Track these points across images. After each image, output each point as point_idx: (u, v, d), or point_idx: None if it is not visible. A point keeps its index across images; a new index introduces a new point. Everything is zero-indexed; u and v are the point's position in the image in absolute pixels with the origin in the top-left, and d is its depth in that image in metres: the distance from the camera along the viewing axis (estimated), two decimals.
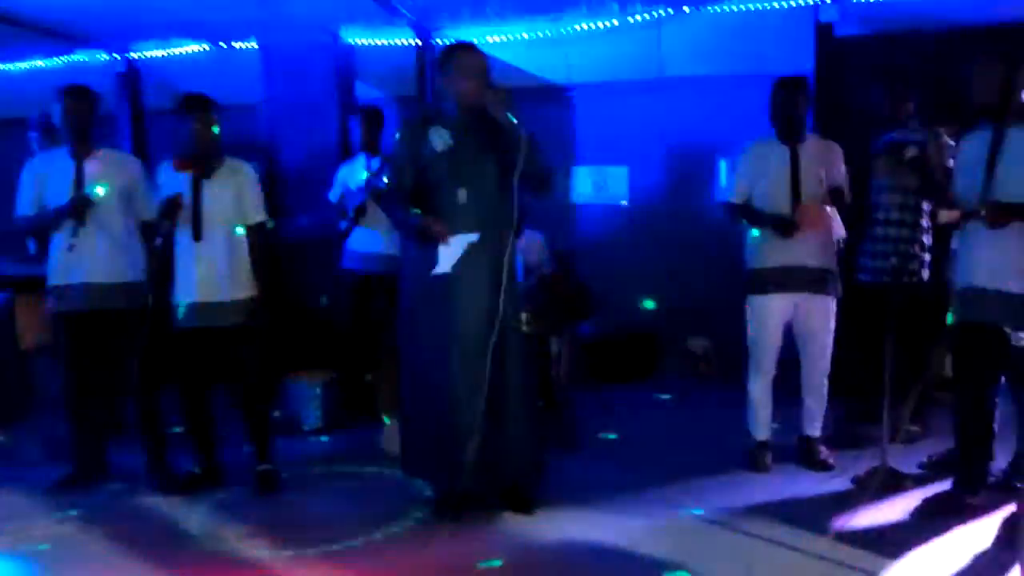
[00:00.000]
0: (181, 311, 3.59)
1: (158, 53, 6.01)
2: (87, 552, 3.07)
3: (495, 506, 3.28)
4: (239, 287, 3.61)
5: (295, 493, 3.64)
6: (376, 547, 3.04)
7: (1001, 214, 2.80)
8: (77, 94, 3.66)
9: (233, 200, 3.60)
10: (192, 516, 3.39)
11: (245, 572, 2.89)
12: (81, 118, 3.62)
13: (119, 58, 6.06)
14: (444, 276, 3.15)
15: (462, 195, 3.18)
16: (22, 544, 3.13)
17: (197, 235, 3.56)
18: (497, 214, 3.22)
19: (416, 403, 3.32)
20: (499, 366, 3.17)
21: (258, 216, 3.68)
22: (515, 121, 3.13)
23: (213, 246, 3.57)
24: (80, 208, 3.57)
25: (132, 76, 6.11)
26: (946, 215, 3.07)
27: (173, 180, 3.58)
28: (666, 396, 5.35)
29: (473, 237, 3.14)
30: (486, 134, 3.18)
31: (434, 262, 3.13)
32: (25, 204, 3.68)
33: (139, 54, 6.06)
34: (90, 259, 3.62)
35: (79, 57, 6.12)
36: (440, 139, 3.21)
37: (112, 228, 3.66)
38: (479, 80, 3.15)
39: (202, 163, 3.58)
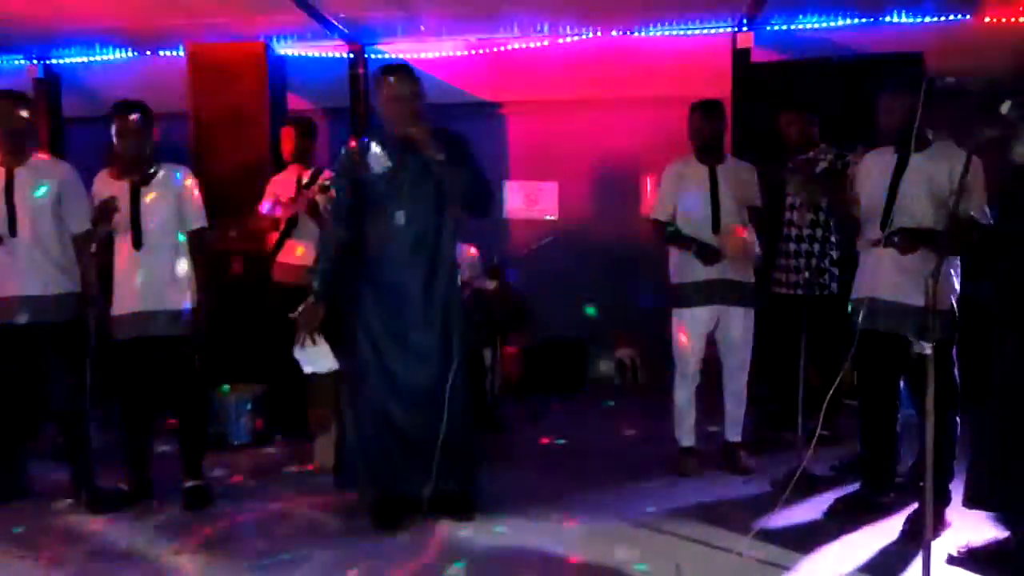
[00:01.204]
0: (120, 322, 3.52)
1: (80, 59, 5.84)
2: (13, 573, 2.97)
3: (433, 512, 3.32)
4: (177, 296, 3.57)
5: (227, 508, 3.59)
6: (312, 560, 3.04)
7: (912, 243, 2.99)
8: (6, 99, 3.54)
9: (172, 207, 3.56)
10: (122, 534, 3.31)
11: None
12: (10, 124, 3.49)
13: (37, 63, 5.86)
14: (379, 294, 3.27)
15: (400, 217, 3.25)
16: None
17: (137, 243, 3.51)
18: (435, 235, 3.31)
19: (357, 415, 3.35)
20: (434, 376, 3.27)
21: (198, 222, 3.65)
22: (441, 157, 3.18)
23: (153, 254, 3.52)
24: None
25: (51, 82, 5.92)
26: (864, 244, 3.26)
27: (110, 189, 3.53)
28: (594, 405, 5.50)
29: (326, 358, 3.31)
30: (424, 157, 3.23)
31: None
32: None
33: (59, 60, 5.87)
34: (17, 270, 3.51)
35: None
36: (378, 161, 3.27)
37: (45, 238, 3.54)
38: (405, 108, 3.21)
39: (138, 170, 3.53)
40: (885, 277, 3.13)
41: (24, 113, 3.54)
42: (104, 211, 3.47)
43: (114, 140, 3.50)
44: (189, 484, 3.64)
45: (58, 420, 3.75)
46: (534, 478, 3.94)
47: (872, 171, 3.24)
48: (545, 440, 4.63)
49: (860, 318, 3.14)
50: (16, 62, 5.90)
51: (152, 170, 3.57)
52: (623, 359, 6.04)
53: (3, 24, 5.17)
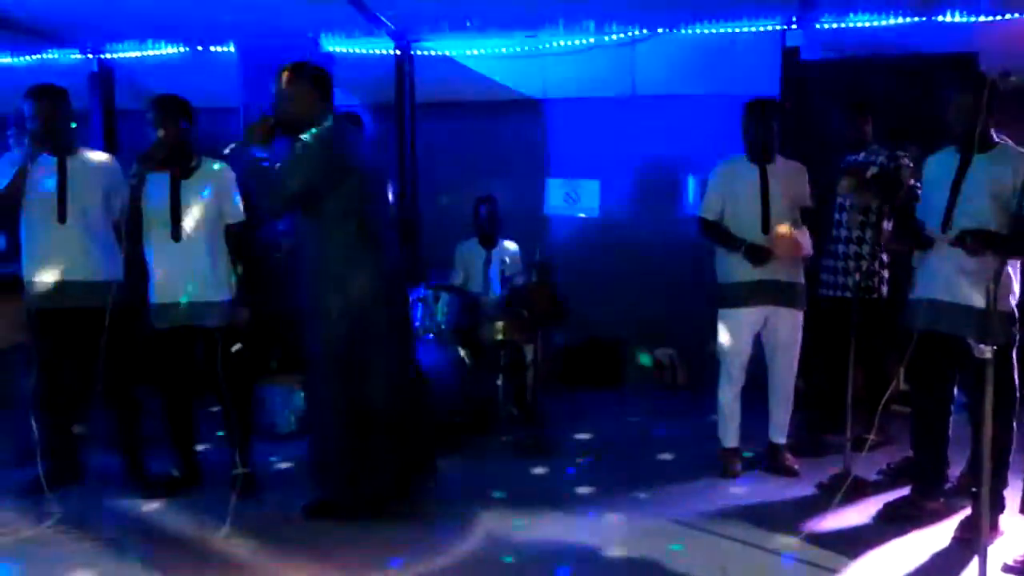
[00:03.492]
0: (159, 311, 3.60)
1: (132, 54, 5.95)
2: (67, 556, 3.04)
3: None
4: (219, 288, 3.63)
5: (274, 495, 3.65)
6: (356, 545, 3.08)
7: (983, 245, 2.91)
8: (43, 94, 3.60)
9: (212, 200, 3.62)
10: (173, 519, 3.39)
11: (229, 574, 2.92)
12: (50, 118, 3.56)
13: (92, 57, 5.99)
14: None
15: None
16: (3, 547, 3.10)
17: (176, 235, 3.58)
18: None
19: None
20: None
21: (236, 216, 3.70)
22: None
23: (191, 247, 3.59)
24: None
25: (105, 76, 6.04)
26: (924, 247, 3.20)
27: (151, 180, 3.58)
28: (633, 403, 5.48)
29: None
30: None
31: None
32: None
33: (113, 54, 6.00)
34: (69, 257, 3.61)
35: (51, 55, 6.04)
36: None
37: (91, 226, 3.64)
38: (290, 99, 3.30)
39: (178, 164, 3.59)
40: (945, 278, 3.07)
41: (56, 107, 3.59)
42: (153, 151, 3.50)
43: (157, 133, 3.54)
44: (237, 471, 3.70)
45: (110, 406, 3.83)
46: (575, 475, 3.95)
47: (935, 172, 3.19)
48: (584, 438, 4.63)
49: (918, 319, 3.09)
50: (72, 56, 6.03)
51: (192, 164, 3.63)
52: (662, 359, 6.01)
53: (59, 17, 5.29)
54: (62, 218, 3.59)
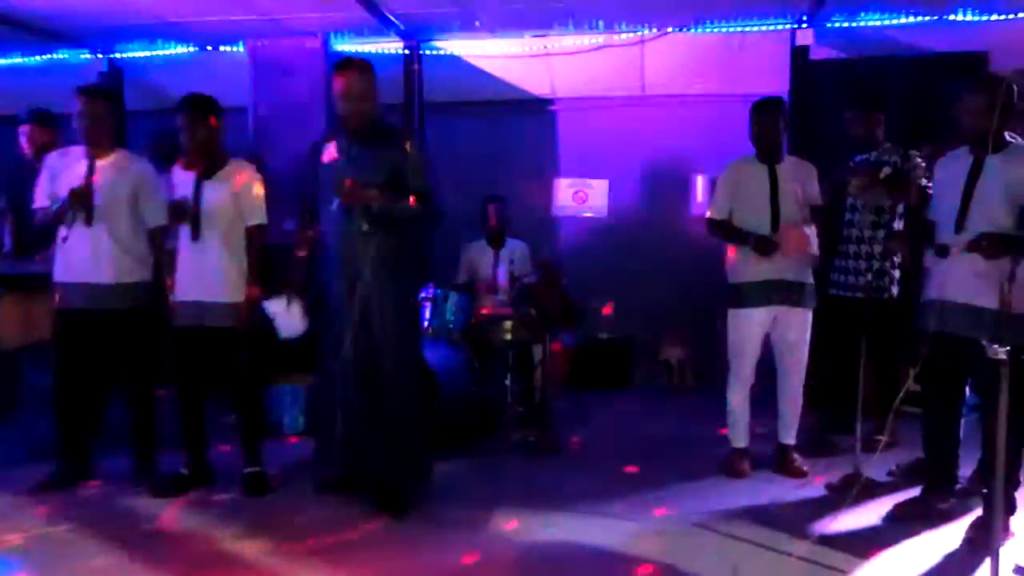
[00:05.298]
0: (178, 309, 3.62)
1: (142, 54, 5.98)
2: (77, 554, 3.05)
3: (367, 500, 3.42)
4: (235, 289, 3.63)
5: (283, 494, 3.66)
6: (366, 545, 3.09)
7: (1000, 248, 2.89)
8: (92, 94, 3.67)
9: (232, 201, 3.63)
10: (183, 517, 3.40)
11: (238, 572, 2.92)
12: (95, 118, 3.62)
13: (101, 58, 6.01)
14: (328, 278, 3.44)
15: (335, 203, 3.33)
16: (8, 547, 3.11)
17: (195, 234, 3.59)
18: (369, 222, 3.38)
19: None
20: (376, 367, 3.35)
21: (255, 218, 3.71)
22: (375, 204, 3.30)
23: (210, 246, 3.60)
24: (81, 199, 3.54)
25: (114, 76, 6.06)
26: (938, 247, 3.17)
27: (180, 178, 3.65)
28: (642, 404, 5.47)
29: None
30: (373, 149, 3.36)
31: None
32: (41, 197, 3.68)
33: (122, 55, 6.02)
34: (93, 259, 3.63)
35: (60, 55, 6.07)
36: (329, 152, 3.44)
37: (118, 229, 3.66)
38: (354, 103, 3.32)
39: (202, 163, 3.61)
40: (958, 280, 3.06)
41: (103, 108, 3.66)
42: (175, 211, 3.58)
43: (184, 133, 3.58)
44: (247, 470, 3.72)
45: (132, 406, 3.85)
46: (584, 475, 3.94)
47: (947, 172, 3.17)
48: (592, 438, 4.63)
49: (931, 320, 3.08)
50: (82, 56, 6.06)
51: (216, 163, 3.64)
52: (670, 359, 6.00)
53: (69, 18, 5.32)
54: (88, 219, 3.60)
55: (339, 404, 3.43)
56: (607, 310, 5.79)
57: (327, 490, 3.58)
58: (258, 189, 3.72)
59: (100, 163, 3.65)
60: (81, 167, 3.61)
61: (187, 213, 3.57)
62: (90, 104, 3.63)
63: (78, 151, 3.69)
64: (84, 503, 3.54)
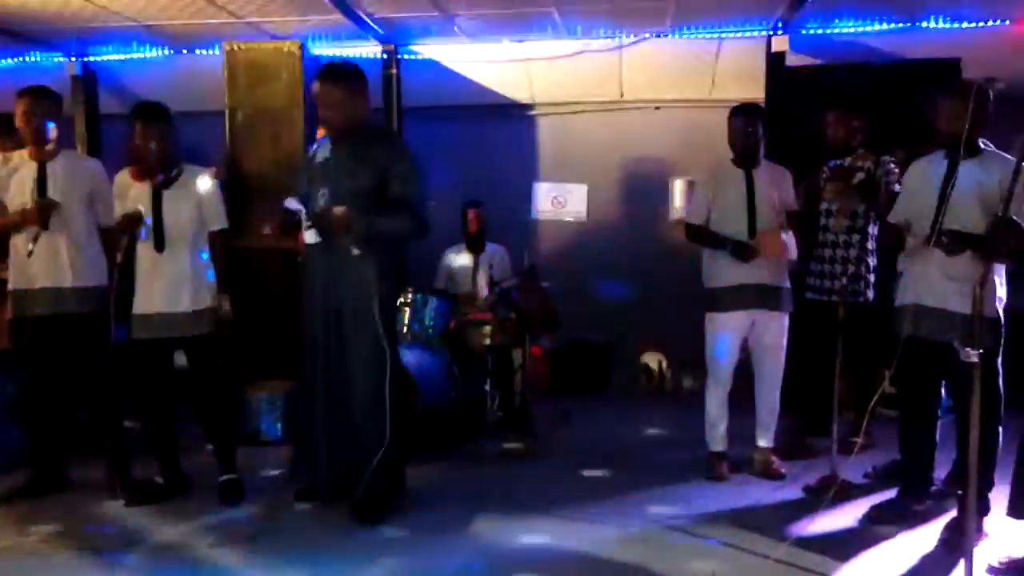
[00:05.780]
0: (142, 321, 3.56)
1: (116, 57, 5.91)
2: (52, 565, 3.00)
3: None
4: (201, 297, 3.59)
5: (261, 502, 3.63)
6: (345, 554, 3.06)
7: (959, 244, 2.95)
8: (36, 94, 3.59)
9: (194, 209, 3.58)
10: (159, 526, 3.35)
11: None
12: (41, 119, 3.55)
13: (74, 61, 5.94)
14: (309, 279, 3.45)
15: (322, 197, 3.36)
16: None
17: (159, 246, 3.54)
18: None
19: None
20: (345, 374, 3.35)
21: (218, 223, 3.67)
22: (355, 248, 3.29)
23: (176, 257, 3.55)
24: (44, 214, 3.52)
25: (88, 79, 5.99)
26: (911, 242, 3.22)
27: (131, 189, 3.54)
28: (620, 407, 5.48)
29: None
30: (360, 154, 3.35)
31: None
32: None
33: (96, 57, 5.95)
34: (54, 263, 3.58)
35: (32, 58, 5.98)
36: (322, 152, 3.48)
37: (75, 231, 3.62)
38: (326, 111, 3.35)
39: (161, 173, 3.53)
40: (931, 284, 3.10)
41: (49, 108, 3.59)
42: (128, 222, 3.48)
43: (138, 142, 3.49)
44: (223, 478, 3.68)
45: (93, 413, 3.79)
46: (563, 480, 3.95)
47: (921, 177, 3.21)
48: (572, 442, 4.63)
49: (905, 324, 3.11)
50: (55, 59, 5.98)
51: (174, 172, 3.57)
52: (649, 363, 6.03)
53: (43, 21, 5.24)
54: (45, 224, 3.55)
55: (317, 413, 3.41)
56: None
57: (306, 499, 3.56)
58: (217, 193, 3.66)
59: (51, 165, 3.60)
60: (28, 173, 3.55)
61: (140, 225, 3.47)
62: (37, 104, 3.55)
63: (20, 154, 3.62)
64: (57, 513, 3.48)
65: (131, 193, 3.54)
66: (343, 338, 3.36)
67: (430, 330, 4.70)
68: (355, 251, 3.26)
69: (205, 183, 3.63)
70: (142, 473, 3.73)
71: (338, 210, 3.23)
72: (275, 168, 5.13)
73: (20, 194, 3.58)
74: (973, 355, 2.42)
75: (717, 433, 3.98)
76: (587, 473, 4.04)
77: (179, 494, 3.67)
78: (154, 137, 3.47)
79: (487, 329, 4.65)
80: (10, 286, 3.63)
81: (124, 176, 3.58)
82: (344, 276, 3.33)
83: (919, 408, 3.28)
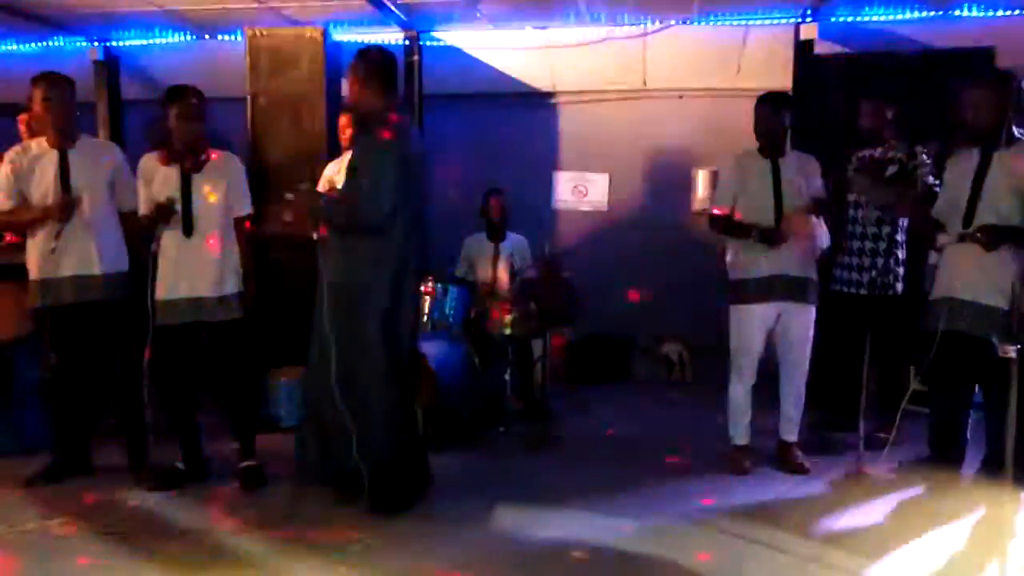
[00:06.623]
0: (168, 307, 3.55)
1: (139, 42, 5.91)
2: (71, 548, 3.01)
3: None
4: (228, 283, 3.59)
5: (281, 489, 3.61)
6: (364, 542, 3.04)
7: (995, 238, 2.90)
8: (54, 81, 3.56)
9: (222, 194, 3.57)
10: (180, 511, 3.36)
11: (238, 567, 2.88)
12: (61, 106, 3.54)
13: (97, 45, 5.94)
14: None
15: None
16: (7, 541, 3.07)
17: (187, 231, 3.53)
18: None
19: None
20: (352, 367, 3.26)
21: (245, 209, 3.67)
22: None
23: (203, 242, 3.54)
24: (68, 210, 3.51)
25: (110, 64, 5.99)
26: (944, 239, 3.16)
27: (159, 174, 3.54)
28: (641, 398, 5.44)
29: None
30: (361, 138, 3.39)
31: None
32: (4, 198, 3.57)
33: (118, 42, 5.95)
34: (77, 251, 3.57)
35: (56, 43, 5.99)
36: None
37: (97, 219, 3.61)
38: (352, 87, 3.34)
39: (190, 158, 3.54)
40: (966, 277, 3.04)
41: (67, 94, 3.56)
42: (163, 212, 3.48)
43: (171, 125, 3.49)
44: (244, 464, 3.68)
45: (115, 398, 3.80)
46: (584, 471, 3.91)
47: (957, 170, 3.14)
48: (592, 433, 4.60)
49: (939, 319, 3.05)
50: (77, 43, 5.98)
51: (203, 157, 3.57)
52: (670, 354, 5.98)
53: (65, 5, 5.25)
54: (67, 219, 3.53)
55: (324, 402, 3.34)
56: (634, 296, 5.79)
57: (314, 483, 3.51)
58: (243, 178, 3.66)
59: (71, 154, 3.58)
60: (49, 161, 3.54)
61: (174, 213, 3.48)
62: (57, 89, 3.53)
63: (38, 143, 3.60)
64: (78, 497, 3.49)
65: (158, 177, 3.53)
66: (335, 324, 3.29)
67: (450, 319, 4.67)
68: (314, 235, 3.32)
69: (234, 168, 3.62)
70: (164, 459, 3.73)
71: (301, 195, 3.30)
72: (296, 155, 5.10)
73: (43, 183, 3.56)
74: (1011, 351, 2.37)
75: (741, 426, 3.93)
76: (605, 465, 4.00)
77: (200, 480, 3.68)
78: (193, 120, 3.47)
79: (508, 319, 4.62)
80: (33, 275, 3.62)
81: (150, 160, 3.57)
82: (324, 263, 3.33)
83: (951, 404, 3.23)
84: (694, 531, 3.18)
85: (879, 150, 4.08)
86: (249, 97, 5.25)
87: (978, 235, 2.89)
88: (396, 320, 3.30)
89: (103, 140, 3.81)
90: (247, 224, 3.69)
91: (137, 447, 3.77)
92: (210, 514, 3.33)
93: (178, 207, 3.49)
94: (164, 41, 5.83)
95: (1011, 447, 2.42)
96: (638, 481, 3.73)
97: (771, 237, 3.71)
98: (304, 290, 3.50)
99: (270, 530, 3.15)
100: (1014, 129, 3.03)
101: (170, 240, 3.55)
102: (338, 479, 3.39)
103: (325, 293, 3.29)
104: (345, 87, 3.35)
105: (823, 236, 3.80)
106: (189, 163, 3.53)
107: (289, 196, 3.57)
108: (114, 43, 5.96)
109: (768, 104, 3.83)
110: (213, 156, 3.60)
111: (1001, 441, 2.52)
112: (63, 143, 3.58)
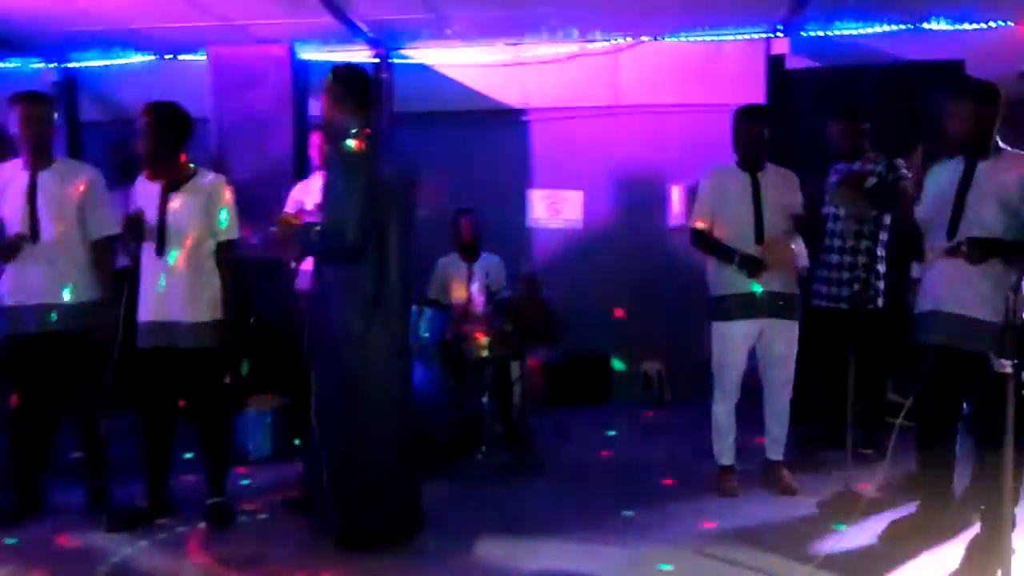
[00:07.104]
0: (141, 331, 3.40)
1: (97, 63, 5.74)
2: None
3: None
4: (201, 308, 3.41)
5: (250, 525, 3.45)
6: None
7: (981, 252, 2.85)
8: (34, 100, 3.44)
9: (199, 214, 3.40)
10: (143, 551, 3.18)
11: None
12: (38, 126, 3.41)
13: (53, 67, 5.77)
14: None
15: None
16: None
17: (160, 249, 3.38)
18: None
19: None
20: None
21: (228, 233, 3.49)
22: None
23: (175, 262, 3.38)
24: (10, 250, 3.37)
25: (68, 86, 5.82)
26: (930, 254, 3.10)
27: (146, 190, 3.43)
28: (620, 419, 5.34)
29: None
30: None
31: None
32: None
33: (76, 63, 5.78)
34: (45, 279, 3.41)
35: (11, 64, 5.80)
36: None
37: (68, 245, 3.44)
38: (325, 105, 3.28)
39: (168, 173, 3.39)
40: (951, 290, 2.98)
41: (46, 115, 3.45)
42: (131, 225, 3.35)
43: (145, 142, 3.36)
44: (212, 500, 3.50)
45: (75, 434, 3.62)
46: (569, 497, 3.80)
47: (937, 180, 3.10)
48: (574, 456, 4.48)
49: (926, 333, 2.99)
50: (33, 65, 5.81)
51: (182, 174, 3.43)
52: (648, 372, 5.89)
53: (21, 26, 5.08)
54: (35, 236, 3.38)
55: (310, 433, 3.24)
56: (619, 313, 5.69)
57: (299, 511, 3.42)
58: (229, 201, 3.50)
59: (43, 175, 3.44)
60: (20, 184, 3.40)
61: (144, 227, 3.36)
62: (34, 108, 3.41)
63: (14, 164, 3.47)
64: (36, 539, 3.29)
65: (143, 191, 3.43)
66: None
67: (424, 341, 4.54)
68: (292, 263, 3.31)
69: (218, 190, 3.46)
70: (125, 496, 3.54)
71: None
72: (261, 176, 4.96)
73: (13, 206, 3.41)
74: (1007, 365, 2.30)
75: (725, 446, 3.85)
76: (589, 491, 3.89)
77: (163, 516, 3.48)
78: (161, 136, 3.35)
79: (484, 341, 4.49)
80: (5, 302, 3.45)
81: (142, 178, 3.46)
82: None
83: (939, 419, 3.15)
84: (680, 557, 3.07)
85: (857, 163, 4.05)
86: (213, 118, 5.12)
87: (963, 248, 2.84)
88: (369, 350, 3.15)
89: (80, 164, 3.64)
90: (230, 248, 3.51)
91: (96, 484, 3.58)
92: (174, 554, 3.15)
93: (149, 222, 3.35)
94: (123, 61, 5.67)
95: (1009, 464, 2.35)
96: (622, 507, 3.61)
97: (752, 268, 3.64)
98: (275, 314, 3.38)
99: (244, 570, 2.99)
100: (998, 141, 3.00)
101: (146, 259, 3.42)
102: (316, 512, 3.26)
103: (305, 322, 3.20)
104: (315, 106, 3.25)
105: (802, 257, 3.75)
106: (166, 179, 3.39)
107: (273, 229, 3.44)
108: (72, 64, 5.79)
109: (747, 116, 3.79)
110: (200, 176, 3.45)
111: (993, 456, 2.46)
112: (37, 163, 3.43)
